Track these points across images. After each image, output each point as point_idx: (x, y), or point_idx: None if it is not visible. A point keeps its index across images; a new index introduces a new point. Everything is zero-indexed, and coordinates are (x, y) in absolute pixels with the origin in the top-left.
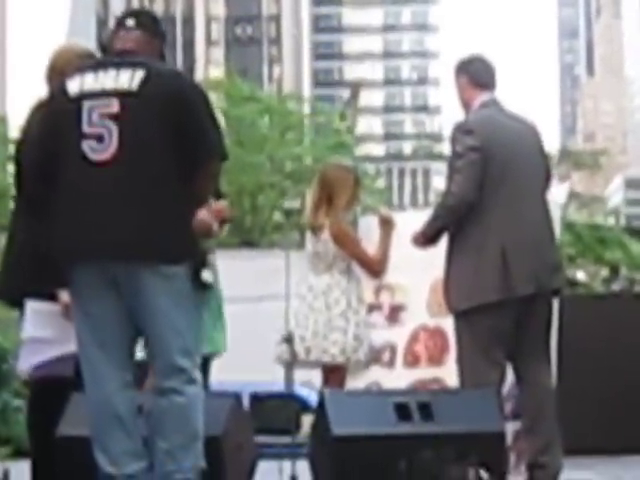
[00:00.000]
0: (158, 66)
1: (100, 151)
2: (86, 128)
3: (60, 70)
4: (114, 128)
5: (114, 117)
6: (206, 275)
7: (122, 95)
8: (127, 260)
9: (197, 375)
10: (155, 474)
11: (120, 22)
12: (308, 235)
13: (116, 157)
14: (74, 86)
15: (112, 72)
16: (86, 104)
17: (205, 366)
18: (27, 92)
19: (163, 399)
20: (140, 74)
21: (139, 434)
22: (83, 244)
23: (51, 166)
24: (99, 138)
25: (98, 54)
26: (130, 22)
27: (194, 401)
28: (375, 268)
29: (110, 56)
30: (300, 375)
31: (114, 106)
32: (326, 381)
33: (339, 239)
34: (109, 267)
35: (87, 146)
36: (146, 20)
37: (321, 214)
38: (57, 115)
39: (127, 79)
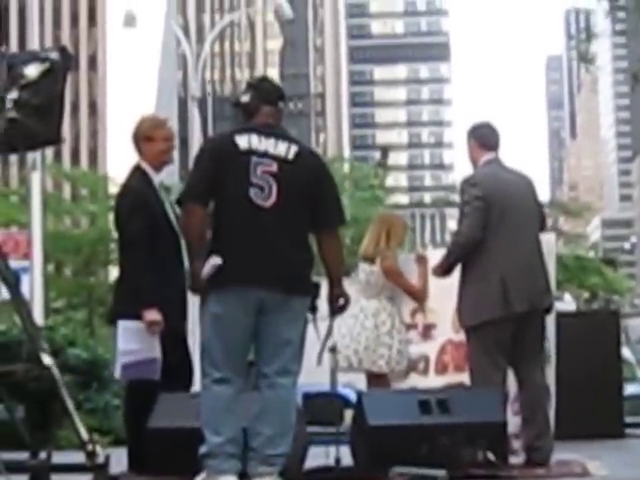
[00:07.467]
0: (303, 145)
1: (263, 199)
2: (253, 178)
3: (143, 133)
4: (273, 183)
5: (273, 175)
6: (316, 303)
7: (280, 160)
8: (283, 290)
9: (297, 379)
10: (254, 456)
11: (270, 100)
12: (360, 265)
13: (275, 206)
14: (244, 142)
15: (272, 140)
16: (253, 159)
17: None
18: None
19: (273, 392)
20: (295, 148)
21: (240, 426)
22: (245, 271)
23: (211, 199)
24: (261, 188)
25: (174, 124)
26: (281, 105)
27: (294, 399)
28: (420, 296)
29: (254, 124)
30: (342, 378)
31: (274, 167)
32: (370, 385)
33: (390, 274)
34: (261, 293)
35: (253, 193)
36: (285, 100)
37: (376, 248)
38: (225, 162)
39: (284, 149)
